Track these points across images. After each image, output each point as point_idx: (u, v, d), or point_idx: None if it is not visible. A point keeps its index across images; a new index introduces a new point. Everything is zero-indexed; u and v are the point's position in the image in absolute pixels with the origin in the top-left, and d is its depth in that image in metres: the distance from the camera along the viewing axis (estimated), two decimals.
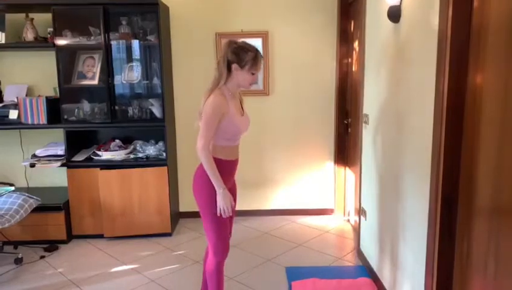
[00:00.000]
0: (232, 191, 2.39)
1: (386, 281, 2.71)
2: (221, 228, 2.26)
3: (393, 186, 2.55)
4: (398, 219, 2.48)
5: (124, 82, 3.79)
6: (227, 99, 2.19)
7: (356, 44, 3.66)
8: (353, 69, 3.85)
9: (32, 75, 3.96)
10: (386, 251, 2.70)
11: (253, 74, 2.18)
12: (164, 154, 3.74)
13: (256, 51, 2.19)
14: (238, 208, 4.28)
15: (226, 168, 2.26)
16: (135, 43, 3.74)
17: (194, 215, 4.28)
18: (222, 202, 2.16)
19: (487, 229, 1.70)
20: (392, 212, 2.59)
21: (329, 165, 4.25)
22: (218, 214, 2.18)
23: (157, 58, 3.66)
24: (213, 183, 2.16)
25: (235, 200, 2.38)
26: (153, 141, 3.92)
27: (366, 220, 3.17)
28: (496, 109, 1.62)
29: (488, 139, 1.67)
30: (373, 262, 2.98)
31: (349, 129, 4.04)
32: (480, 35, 1.70)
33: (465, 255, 1.86)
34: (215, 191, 2.17)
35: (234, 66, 2.15)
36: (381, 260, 2.81)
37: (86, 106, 3.77)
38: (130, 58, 3.81)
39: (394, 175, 2.53)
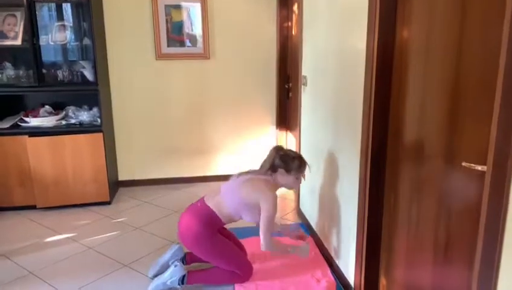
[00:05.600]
0: (226, 232, 2.55)
1: (322, 235, 2.83)
2: (233, 252, 2.42)
3: (330, 146, 2.63)
4: (333, 177, 2.57)
5: (52, 43, 3.52)
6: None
7: (295, 7, 3.65)
8: (293, 32, 3.85)
9: None
10: (322, 208, 2.81)
11: (297, 178, 2.42)
12: (99, 120, 3.56)
13: (301, 159, 2.44)
14: (180, 175, 4.28)
15: (217, 224, 2.38)
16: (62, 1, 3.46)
17: (134, 183, 4.20)
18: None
19: (409, 187, 1.81)
20: (328, 171, 2.69)
21: (271, 130, 4.30)
22: None
23: (88, 17, 3.42)
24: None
25: (234, 240, 2.57)
26: (86, 107, 3.71)
27: (304, 180, 3.26)
28: (419, 64, 1.69)
29: (412, 96, 1.75)
30: (311, 219, 3.10)
31: (290, 94, 4.08)
32: None
33: (392, 210, 1.97)
34: (206, 233, 2.32)
35: (281, 170, 2.38)
36: (317, 217, 2.93)
37: (9, 68, 3.47)
38: (58, 17, 3.54)
39: (330, 135, 2.61)
